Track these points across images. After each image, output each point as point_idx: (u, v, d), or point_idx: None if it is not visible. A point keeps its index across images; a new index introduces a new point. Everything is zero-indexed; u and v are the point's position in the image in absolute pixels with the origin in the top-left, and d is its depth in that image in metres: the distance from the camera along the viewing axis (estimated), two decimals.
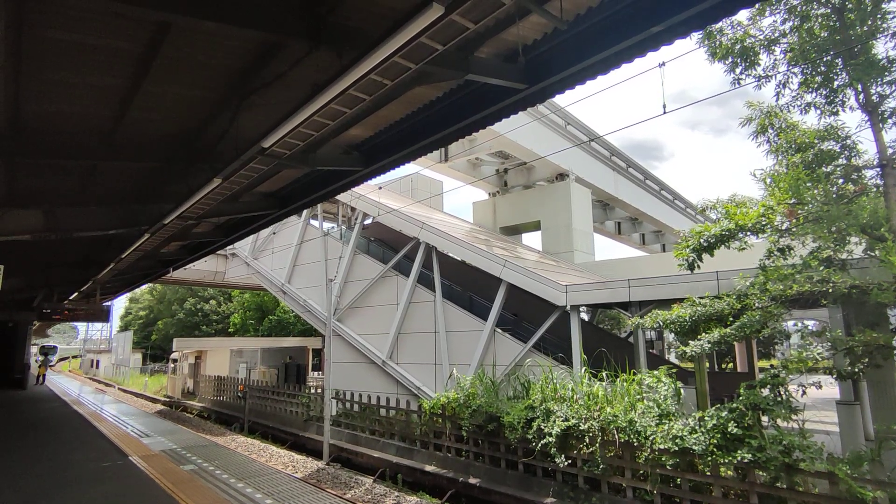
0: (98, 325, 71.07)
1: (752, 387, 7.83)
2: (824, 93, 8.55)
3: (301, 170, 8.95)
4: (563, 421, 9.33)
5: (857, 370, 7.85)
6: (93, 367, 61.00)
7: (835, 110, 8.58)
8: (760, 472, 7.38)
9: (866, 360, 7.78)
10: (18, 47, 4.37)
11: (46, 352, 59.87)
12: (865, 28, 8.12)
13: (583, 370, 11.42)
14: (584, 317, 17.08)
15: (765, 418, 7.72)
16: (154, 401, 33.02)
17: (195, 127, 6.75)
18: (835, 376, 8.21)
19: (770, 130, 9.08)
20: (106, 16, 4.14)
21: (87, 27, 4.27)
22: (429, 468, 11.70)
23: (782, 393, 7.65)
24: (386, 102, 6.54)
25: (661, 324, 9.19)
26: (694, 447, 7.72)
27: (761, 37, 8.94)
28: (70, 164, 7.29)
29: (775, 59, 8.98)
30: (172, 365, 34.08)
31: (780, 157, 9.11)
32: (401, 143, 7.47)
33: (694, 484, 8.00)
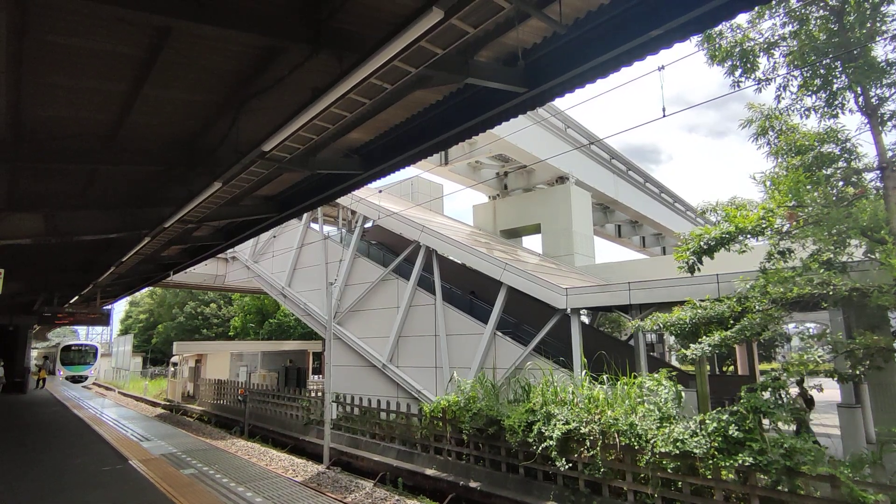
0: (98, 329, 65.32)
1: (752, 390, 7.82)
2: (824, 95, 8.57)
3: (301, 173, 8.96)
4: (563, 424, 9.31)
5: (858, 373, 7.84)
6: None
7: (834, 113, 8.60)
8: (762, 476, 7.36)
9: (867, 362, 7.77)
10: (20, 52, 4.38)
11: (71, 358, 40.70)
12: (864, 31, 8.14)
13: (583, 373, 11.40)
14: (585, 320, 17.07)
15: (766, 421, 7.71)
16: (154, 404, 32.97)
17: (195, 131, 6.76)
18: (836, 379, 8.20)
19: (770, 133, 9.10)
20: (107, 20, 4.15)
21: (88, 31, 4.28)
22: (429, 472, 11.67)
23: (783, 396, 7.64)
24: (386, 106, 6.55)
25: (662, 327, 9.19)
26: (695, 450, 7.70)
27: (761, 40, 8.97)
28: (71, 168, 7.29)
29: (775, 63, 9.01)
30: (173, 368, 34.06)
31: (779, 160, 9.13)
32: (401, 147, 7.47)
33: (695, 487, 7.98)
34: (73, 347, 42.23)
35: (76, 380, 39.21)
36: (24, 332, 28.80)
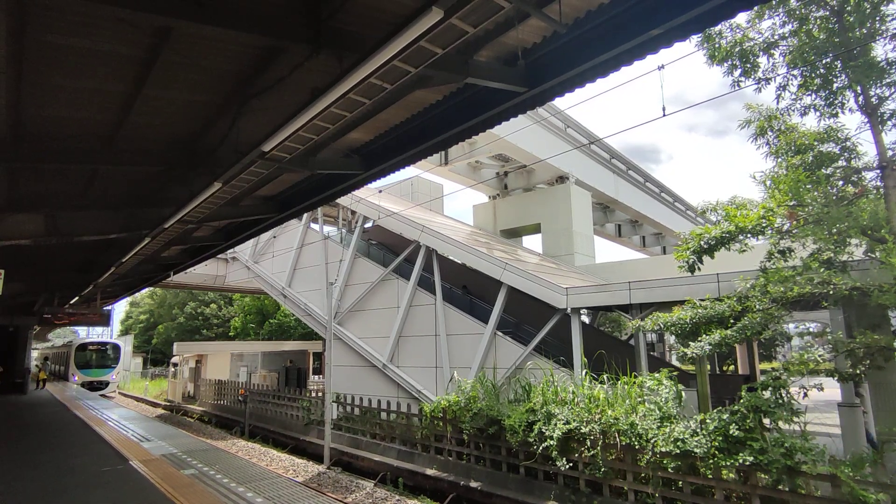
0: (99, 330, 65.14)
1: (753, 389, 7.82)
2: (824, 95, 8.57)
3: (301, 173, 8.96)
4: (564, 424, 9.31)
5: (858, 372, 7.84)
6: None
7: (834, 112, 8.60)
8: (762, 475, 7.36)
9: (867, 361, 7.77)
10: (20, 52, 4.38)
11: (88, 360, 33.30)
12: (864, 30, 8.14)
13: (584, 373, 11.40)
14: (585, 319, 17.07)
15: (766, 421, 7.71)
16: (155, 405, 33.00)
17: (196, 131, 6.76)
18: (836, 378, 8.20)
19: (769, 133, 9.10)
20: (107, 20, 4.15)
21: (88, 32, 4.28)
22: (430, 472, 11.67)
23: (784, 395, 7.63)
24: (386, 106, 6.55)
25: (662, 326, 9.18)
26: (695, 450, 7.70)
27: (760, 40, 8.97)
28: (71, 168, 7.29)
29: (774, 62, 9.01)
30: (173, 369, 34.07)
31: (779, 160, 9.12)
32: (401, 147, 7.48)
33: (696, 487, 7.98)
34: (90, 346, 34.39)
35: (95, 387, 31.96)
36: (25, 333, 28.81)
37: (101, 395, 28.61)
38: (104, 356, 34.26)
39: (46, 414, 17.92)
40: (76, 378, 32.83)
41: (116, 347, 35.59)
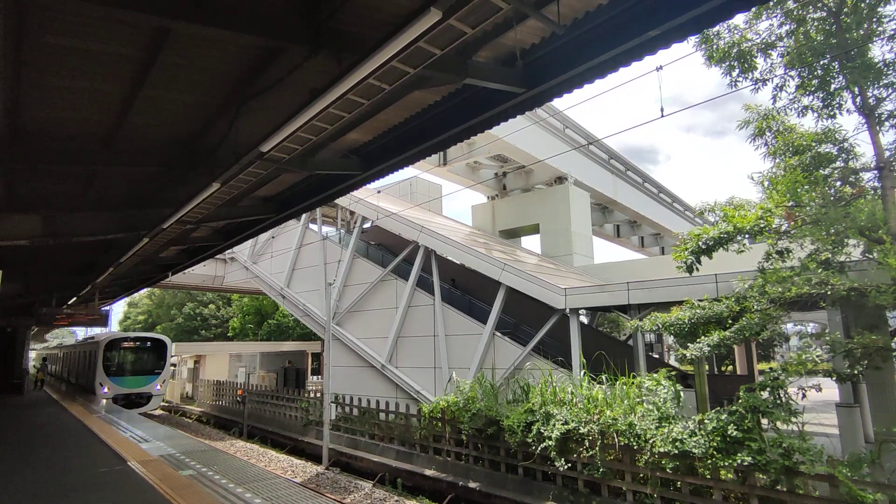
0: (97, 330, 65.06)
1: (751, 389, 7.84)
2: (821, 96, 8.59)
3: (300, 174, 8.96)
4: (562, 424, 9.32)
5: (856, 372, 7.86)
6: None
7: (832, 113, 8.62)
8: (761, 475, 7.38)
9: (865, 362, 7.78)
10: (18, 53, 4.38)
11: (122, 363, 23.19)
12: (862, 31, 8.16)
13: (582, 373, 11.41)
14: (584, 320, 17.08)
15: (765, 421, 7.73)
16: None
17: (194, 132, 6.76)
18: (834, 379, 8.22)
19: (767, 133, 9.12)
20: (106, 21, 4.15)
21: (87, 33, 4.28)
22: (428, 472, 11.67)
23: (782, 395, 7.65)
24: (384, 107, 6.55)
25: (661, 327, 9.20)
26: (694, 450, 7.71)
27: (758, 40, 8.99)
28: (69, 169, 7.28)
29: (772, 63, 9.03)
30: (171, 369, 34.03)
31: (777, 160, 9.15)
32: (399, 148, 7.48)
33: (694, 487, 8.00)
34: (124, 344, 23.67)
35: (133, 402, 22.22)
36: (23, 334, 28.75)
37: (140, 413, 19.49)
38: (145, 357, 23.99)
39: (44, 415, 17.87)
40: (105, 390, 22.58)
41: (161, 345, 24.71)
